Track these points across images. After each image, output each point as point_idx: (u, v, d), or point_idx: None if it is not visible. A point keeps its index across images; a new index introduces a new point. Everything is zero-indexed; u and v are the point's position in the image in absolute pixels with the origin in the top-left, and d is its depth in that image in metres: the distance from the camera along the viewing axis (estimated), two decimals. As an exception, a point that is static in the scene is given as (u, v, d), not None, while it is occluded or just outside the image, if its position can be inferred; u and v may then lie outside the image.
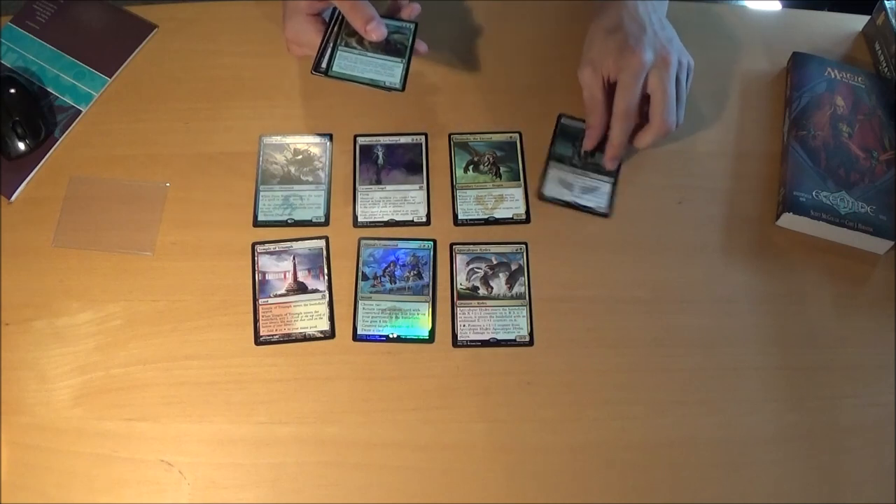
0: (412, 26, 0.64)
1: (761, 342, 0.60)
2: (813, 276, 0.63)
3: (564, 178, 0.65)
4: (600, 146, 0.66)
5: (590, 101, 0.65)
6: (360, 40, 0.63)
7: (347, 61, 0.62)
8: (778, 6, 1.12)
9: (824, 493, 0.55)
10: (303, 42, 0.65)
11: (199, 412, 0.57)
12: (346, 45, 0.63)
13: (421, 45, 0.65)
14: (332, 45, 0.63)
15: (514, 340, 0.60)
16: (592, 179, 0.66)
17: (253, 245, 0.63)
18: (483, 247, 0.63)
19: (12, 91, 0.67)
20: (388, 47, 0.63)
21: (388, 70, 0.62)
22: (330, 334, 0.60)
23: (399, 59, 0.63)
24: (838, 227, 0.62)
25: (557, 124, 0.68)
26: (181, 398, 0.57)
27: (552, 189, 0.65)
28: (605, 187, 0.65)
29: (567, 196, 0.65)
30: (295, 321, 0.60)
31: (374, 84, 0.62)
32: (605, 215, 0.64)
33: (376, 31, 0.61)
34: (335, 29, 0.63)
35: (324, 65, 0.62)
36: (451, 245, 0.63)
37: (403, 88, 0.62)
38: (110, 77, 0.71)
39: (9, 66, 0.70)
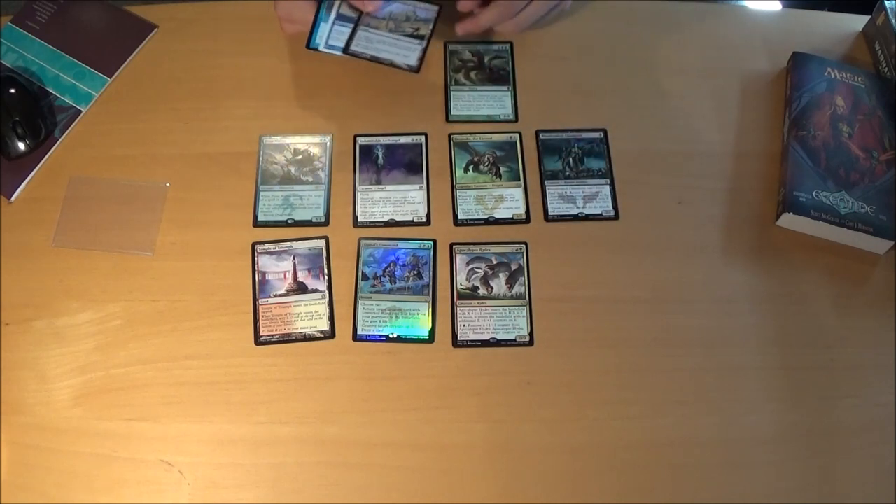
0: (436, 9, 0.65)
1: (761, 342, 0.60)
2: (813, 276, 0.63)
3: (564, 193, 0.65)
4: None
5: None
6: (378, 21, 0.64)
7: (366, 41, 0.63)
8: (778, 6, 1.12)
9: (824, 493, 0.55)
10: (295, 19, 0.65)
11: (199, 412, 0.57)
12: (367, 24, 0.63)
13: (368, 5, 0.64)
14: (330, 22, 0.63)
15: (514, 340, 0.60)
16: (589, 186, 0.66)
17: (253, 245, 0.63)
18: (483, 247, 0.63)
19: (12, 91, 0.67)
20: (411, 29, 0.64)
21: (405, 51, 0.63)
22: (330, 334, 0.60)
23: (419, 42, 0.63)
24: (838, 227, 0.62)
25: (538, 141, 0.68)
26: (181, 398, 0.57)
27: (556, 207, 0.65)
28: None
29: (573, 210, 0.65)
30: (295, 321, 0.60)
31: (391, 64, 0.62)
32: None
33: (372, 2, 0.61)
34: (328, 5, 0.64)
35: (324, 43, 0.63)
36: (451, 245, 0.63)
37: (419, 70, 0.62)
38: (110, 77, 0.71)
39: (9, 66, 0.70)
